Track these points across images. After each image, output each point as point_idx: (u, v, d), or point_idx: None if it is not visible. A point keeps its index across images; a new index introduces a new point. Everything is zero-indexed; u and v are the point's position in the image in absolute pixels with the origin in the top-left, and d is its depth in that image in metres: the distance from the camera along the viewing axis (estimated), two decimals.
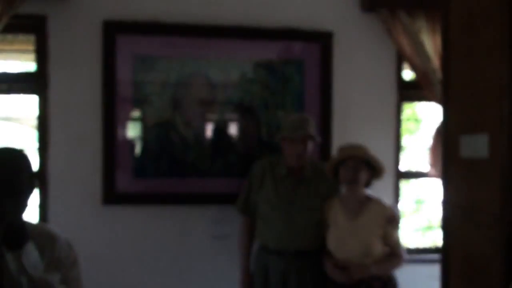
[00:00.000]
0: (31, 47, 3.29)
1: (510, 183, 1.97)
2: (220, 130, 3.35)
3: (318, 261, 2.82)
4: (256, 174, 3.00)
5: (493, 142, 2.06)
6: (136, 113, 3.29)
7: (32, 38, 3.28)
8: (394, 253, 2.74)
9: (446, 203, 2.49)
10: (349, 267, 2.65)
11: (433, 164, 3.45)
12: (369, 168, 2.76)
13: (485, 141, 2.11)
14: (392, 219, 2.71)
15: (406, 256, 2.78)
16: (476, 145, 2.19)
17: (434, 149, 3.44)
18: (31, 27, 3.24)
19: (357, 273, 2.63)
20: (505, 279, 1.98)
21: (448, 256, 2.49)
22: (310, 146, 2.92)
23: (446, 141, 2.53)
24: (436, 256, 3.04)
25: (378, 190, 3.22)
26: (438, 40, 3.23)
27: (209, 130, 3.34)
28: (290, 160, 2.91)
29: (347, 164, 2.72)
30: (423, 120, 3.99)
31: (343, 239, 2.73)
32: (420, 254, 3.64)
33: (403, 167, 3.65)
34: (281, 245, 2.85)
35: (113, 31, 3.20)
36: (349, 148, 2.76)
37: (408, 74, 3.65)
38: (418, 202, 4.18)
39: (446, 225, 2.50)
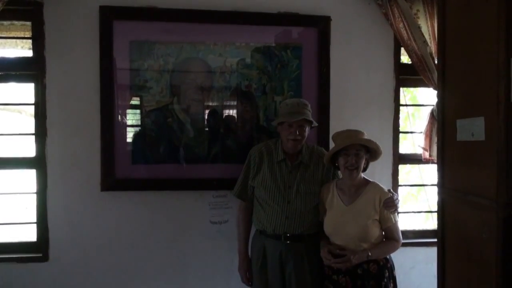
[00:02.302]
0: (28, 33, 3.28)
1: (506, 166, 1.97)
2: (218, 115, 3.35)
3: (316, 245, 2.85)
4: (253, 159, 3.01)
5: (490, 125, 2.07)
6: (134, 99, 3.28)
7: (28, 24, 3.26)
8: (391, 237, 2.76)
9: (442, 187, 2.51)
10: (346, 253, 2.65)
11: (427, 148, 3.47)
12: (366, 152, 2.77)
13: (482, 125, 2.12)
14: (389, 203, 2.72)
15: (402, 239, 2.80)
16: (473, 129, 2.19)
17: (428, 133, 3.45)
18: (27, 14, 3.22)
19: (356, 259, 2.64)
20: (501, 261, 2.00)
21: (444, 238, 2.51)
22: (308, 130, 2.93)
23: (442, 125, 2.54)
24: (433, 239, 3.07)
25: (377, 174, 3.24)
26: (435, 24, 3.22)
27: (207, 115, 3.34)
28: (287, 144, 2.91)
29: (349, 151, 2.72)
30: (422, 104, 3.98)
31: (340, 223, 2.74)
32: (417, 237, 3.66)
33: (402, 151, 3.66)
34: (279, 229, 2.87)
35: (110, 16, 3.19)
36: (348, 135, 2.76)
37: (406, 59, 3.63)
38: (417, 186, 4.18)
39: (442, 208, 2.51)
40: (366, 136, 2.78)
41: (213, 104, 3.35)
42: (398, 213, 2.86)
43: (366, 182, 2.82)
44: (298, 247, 2.87)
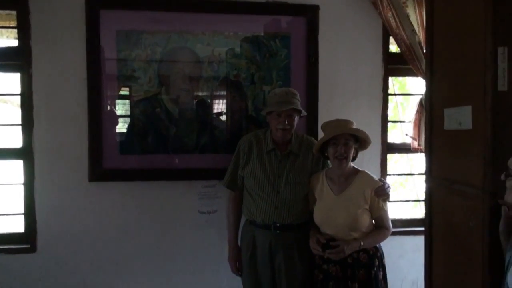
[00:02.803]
0: (13, 23, 3.24)
1: (492, 155, 1.99)
2: (207, 105, 3.34)
3: (305, 235, 2.84)
4: (242, 149, 3.00)
5: (477, 114, 2.08)
6: (121, 90, 3.26)
7: (14, 14, 3.22)
8: (382, 225, 2.76)
9: (430, 175, 2.52)
10: (340, 244, 2.64)
11: (415, 138, 3.48)
12: (355, 141, 2.77)
13: (469, 113, 2.13)
14: (380, 191, 2.72)
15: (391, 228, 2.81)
16: (460, 118, 2.20)
17: (417, 122, 3.46)
18: (12, 3, 3.18)
19: (349, 250, 2.64)
20: (487, 248, 2.02)
21: (431, 227, 2.53)
22: (297, 120, 2.93)
23: (430, 114, 2.55)
24: (421, 227, 3.09)
25: (365, 163, 3.25)
26: (424, 13, 3.21)
27: (195, 105, 3.32)
28: (276, 134, 2.91)
29: (338, 140, 2.71)
30: (411, 93, 3.99)
31: (330, 213, 2.74)
32: (406, 226, 3.68)
33: (390, 140, 3.67)
34: (268, 219, 2.87)
35: (97, 5, 3.14)
36: (337, 124, 2.75)
37: (394, 48, 3.64)
38: (406, 175, 4.20)
39: (430, 197, 2.53)
40: (355, 126, 2.78)
41: (202, 94, 3.33)
42: (389, 201, 2.86)
43: (356, 171, 2.82)
44: (288, 236, 2.87)
